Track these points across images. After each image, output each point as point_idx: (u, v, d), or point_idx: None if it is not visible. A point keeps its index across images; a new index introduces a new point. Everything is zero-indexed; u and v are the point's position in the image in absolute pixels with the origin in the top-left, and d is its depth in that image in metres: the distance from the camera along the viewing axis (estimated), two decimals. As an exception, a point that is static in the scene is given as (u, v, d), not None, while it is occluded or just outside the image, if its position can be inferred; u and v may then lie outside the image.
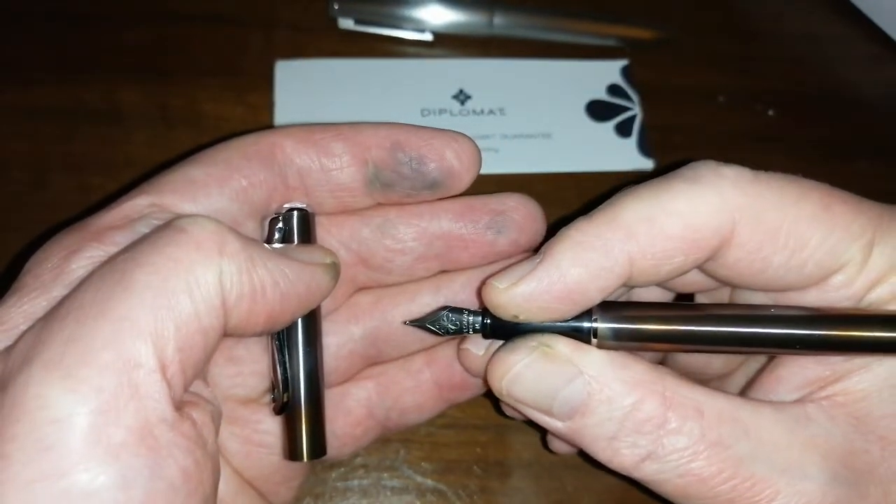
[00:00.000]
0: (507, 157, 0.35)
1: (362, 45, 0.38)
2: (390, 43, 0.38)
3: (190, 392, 0.18)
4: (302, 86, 0.36)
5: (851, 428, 0.19)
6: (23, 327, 0.17)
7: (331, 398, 0.23)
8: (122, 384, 0.15)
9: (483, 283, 0.20)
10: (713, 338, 0.19)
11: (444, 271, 0.24)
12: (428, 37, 0.38)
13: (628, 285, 0.20)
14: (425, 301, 0.24)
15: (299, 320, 0.21)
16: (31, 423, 0.15)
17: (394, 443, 0.29)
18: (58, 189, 0.33)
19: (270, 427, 0.22)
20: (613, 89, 0.38)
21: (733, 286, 0.22)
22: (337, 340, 0.23)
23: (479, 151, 0.22)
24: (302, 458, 0.22)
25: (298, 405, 0.21)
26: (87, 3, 0.37)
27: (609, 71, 0.38)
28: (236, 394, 0.22)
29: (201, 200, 0.20)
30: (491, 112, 0.37)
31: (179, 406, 0.17)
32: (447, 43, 0.39)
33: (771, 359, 0.21)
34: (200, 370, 0.17)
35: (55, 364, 0.15)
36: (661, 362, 0.26)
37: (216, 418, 0.19)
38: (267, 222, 0.21)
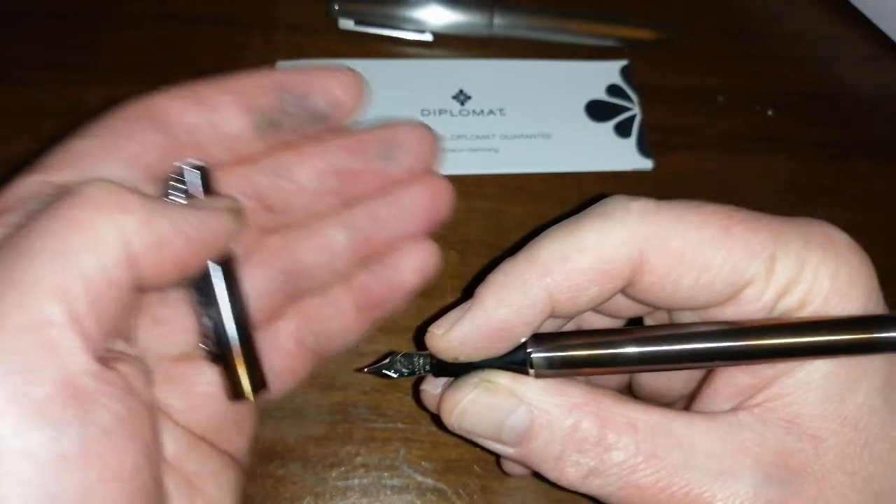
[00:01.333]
0: (507, 157, 0.35)
1: (362, 45, 0.38)
2: (390, 43, 0.38)
3: (113, 350, 0.18)
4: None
5: (784, 430, 0.20)
6: None
7: (261, 338, 0.23)
8: (36, 343, 0.16)
9: (426, 330, 0.22)
10: (637, 359, 0.21)
11: (344, 210, 0.25)
12: (428, 37, 0.38)
13: (556, 316, 0.21)
14: (332, 234, 0.25)
15: (218, 269, 0.21)
16: None
17: (394, 442, 0.29)
18: (58, 189, 0.33)
19: (210, 378, 0.22)
20: (613, 89, 0.38)
21: (660, 308, 0.23)
22: (255, 283, 0.24)
23: (363, 81, 0.23)
24: (245, 396, 0.22)
25: (230, 348, 0.22)
26: (87, 3, 0.37)
27: (608, 71, 0.38)
28: (169, 353, 0.22)
29: (93, 170, 0.20)
30: (491, 112, 0.37)
31: (103, 360, 0.17)
32: (447, 43, 0.39)
33: (708, 373, 0.22)
34: (119, 325, 0.18)
35: None
36: (630, 387, 0.27)
37: (145, 372, 0.19)
38: (165, 183, 0.21)
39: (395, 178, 0.25)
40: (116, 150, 0.20)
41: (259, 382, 0.23)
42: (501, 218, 0.34)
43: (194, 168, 0.21)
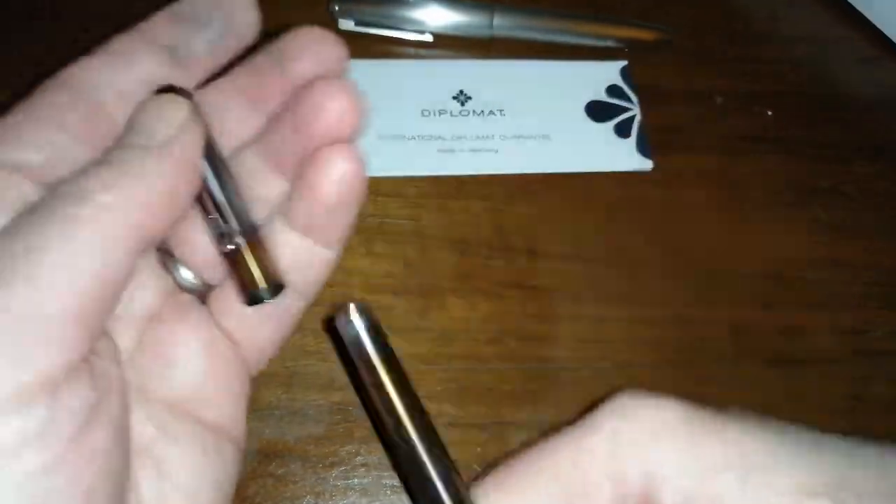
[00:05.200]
0: (507, 158, 0.35)
1: (362, 45, 0.38)
2: (390, 43, 0.38)
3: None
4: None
5: None
6: None
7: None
8: (32, 332, 0.16)
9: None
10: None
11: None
12: (428, 38, 0.38)
13: None
14: (255, 163, 0.24)
15: (205, 163, 0.21)
16: None
17: (394, 442, 0.29)
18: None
19: (185, 337, 0.22)
20: (613, 90, 0.38)
21: None
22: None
23: None
24: (261, 293, 0.22)
25: (240, 239, 0.21)
26: (88, 3, 0.37)
27: (608, 72, 0.38)
28: (139, 314, 0.22)
29: (18, 144, 0.20)
30: (491, 113, 0.37)
31: (79, 350, 0.17)
32: (447, 44, 0.39)
33: None
34: (107, 313, 0.18)
35: None
36: None
37: (114, 348, 0.20)
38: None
39: (298, 77, 0.24)
40: (39, 119, 0.20)
41: (274, 278, 0.22)
42: (501, 218, 0.34)
43: (167, 87, 0.21)
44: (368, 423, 0.29)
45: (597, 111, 0.37)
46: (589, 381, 0.31)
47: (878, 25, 0.41)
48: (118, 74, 0.22)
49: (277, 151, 0.24)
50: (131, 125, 0.20)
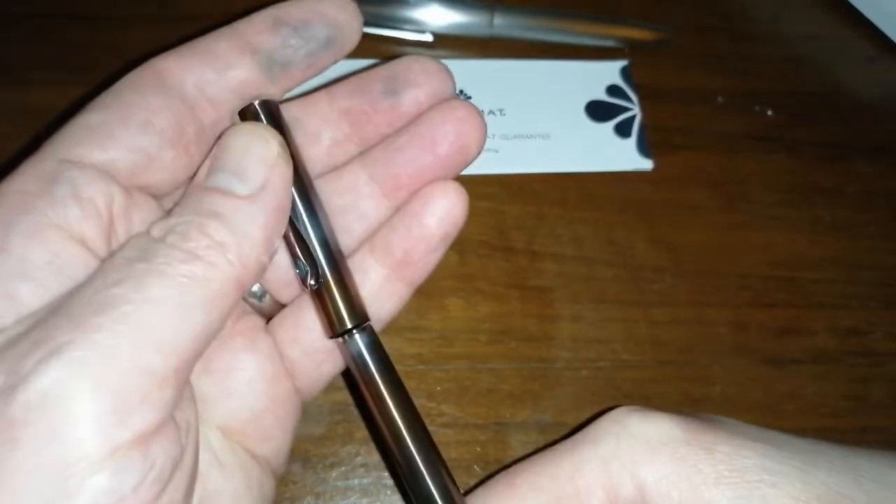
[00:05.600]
0: (507, 158, 0.35)
1: (362, 45, 0.38)
2: (390, 43, 0.38)
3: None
4: (303, 87, 0.36)
5: None
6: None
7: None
8: (135, 390, 0.16)
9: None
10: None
11: (363, 151, 0.24)
12: (428, 37, 0.38)
13: None
14: (359, 180, 0.24)
15: (295, 196, 0.21)
16: (46, 414, 0.15)
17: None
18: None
19: (248, 363, 0.22)
20: (613, 90, 0.38)
21: None
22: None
23: (355, 3, 0.22)
24: (345, 325, 0.21)
25: (325, 270, 0.21)
26: (88, 3, 0.37)
27: (608, 71, 0.38)
28: None
29: (108, 144, 0.19)
30: (491, 112, 0.37)
31: (173, 406, 0.17)
32: (447, 43, 0.39)
33: None
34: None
35: (76, 361, 0.15)
36: None
37: (194, 400, 0.19)
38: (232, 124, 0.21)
39: (404, 114, 0.23)
40: (126, 119, 0.20)
41: (358, 309, 0.21)
42: (501, 218, 0.34)
43: (260, 103, 0.21)
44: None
45: (597, 111, 0.37)
46: (589, 381, 0.31)
47: (879, 25, 0.41)
48: (210, 79, 0.21)
49: (388, 174, 0.23)
50: (221, 161, 0.20)
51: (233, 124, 0.21)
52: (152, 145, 0.20)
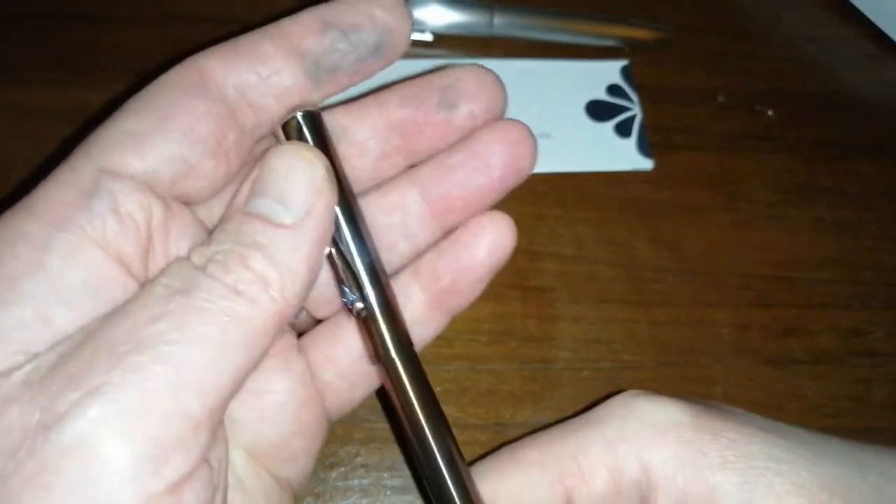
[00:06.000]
0: (507, 158, 0.35)
1: (362, 45, 0.38)
2: (390, 43, 0.38)
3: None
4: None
5: None
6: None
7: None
8: (171, 435, 0.15)
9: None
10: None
11: (412, 166, 0.23)
12: (428, 37, 0.38)
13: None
14: (403, 190, 0.23)
15: (341, 219, 0.20)
16: (81, 460, 0.15)
17: (394, 442, 0.29)
18: (58, 189, 0.33)
19: (280, 385, 0.21)
20: (613, 89, 0.38)
21: None
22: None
23: (403, 2, 0.21)
24: (390, 354, 0.21)
25: (370, 296, 0.20)
26: (88, 3, 0.37)
27: (609, 71, 0.38)
28: None
29: (148, 152, 0.18)
30: (491, 112, 0.37)
31: (207, 450, 0.17)
32: (447, 43, 0.39)
33: None
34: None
35: (113, 404, 0.15)
36: None
37: (226, 439, 0.19)
38: (275, 137, 0.20)
39: (458, 127, 0.22)
40: (166, 126, 0.18)
41: (404, 338, 0.21)
42: (501, 218, 0.34)
43: (304, 115, 0.20)
44: (368, 424, 0.29)
45: (597, 110, 0.37)
46: (589, 382, 0.31)
47: (880, 25, 0.41)
48: (253, 82, 0.19)
49: (439, 194, 0.22)
50: (264, 185, 0.18)
51: (276, 142, 0.20)
52: (194, 154, 0.19)
